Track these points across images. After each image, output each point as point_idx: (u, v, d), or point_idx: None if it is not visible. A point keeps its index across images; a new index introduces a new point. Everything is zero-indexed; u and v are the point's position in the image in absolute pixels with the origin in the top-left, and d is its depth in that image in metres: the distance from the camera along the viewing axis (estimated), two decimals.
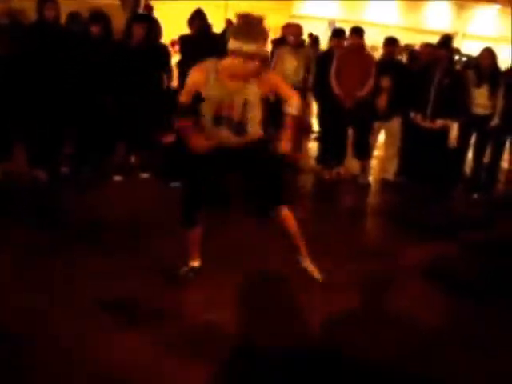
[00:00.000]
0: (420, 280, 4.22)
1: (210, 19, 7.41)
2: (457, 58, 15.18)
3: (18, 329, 3.07)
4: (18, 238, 4.28)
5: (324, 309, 3.59)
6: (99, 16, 5.76)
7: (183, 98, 3.48)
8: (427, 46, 7.14)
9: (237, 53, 3.23)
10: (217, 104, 3.38)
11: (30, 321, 3.16)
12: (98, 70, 5.63)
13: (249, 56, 3.23)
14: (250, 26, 3.25)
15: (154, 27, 6.25)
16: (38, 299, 3.38)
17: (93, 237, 4.42)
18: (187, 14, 6.45)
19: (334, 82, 6.44)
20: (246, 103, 3.38)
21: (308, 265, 3.89)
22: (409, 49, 9.37)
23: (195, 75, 3.41)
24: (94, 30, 5.64)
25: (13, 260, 3.93)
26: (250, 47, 3.20)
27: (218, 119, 3.42)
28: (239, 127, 3.43)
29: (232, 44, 3.23)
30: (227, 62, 3.32)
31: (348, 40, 6.80)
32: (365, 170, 6.79)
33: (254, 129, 3.52)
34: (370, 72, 6.36)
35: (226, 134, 3.45)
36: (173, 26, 7.35)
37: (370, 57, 6.63)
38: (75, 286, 3.61)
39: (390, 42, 6.67)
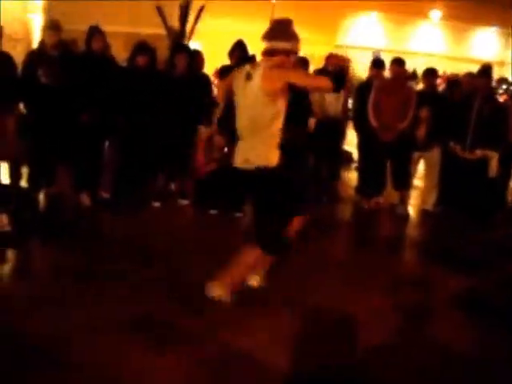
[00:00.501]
0: (457, 311, 4.19)
1: (256, 48, 7.57)
2: (504, 87, 15.01)
3: (54, 347, 3.18)
4: (60, 260, 4.43)
5: (362, 337, 3.62)
6: (145, 47, 5.94)
7: None
8: (467, 76, 7.11)
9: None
10: None
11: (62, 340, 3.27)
12: (144, 100, 5.81)
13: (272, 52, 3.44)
14: (275, 26, 3.54)
15: (196, 57, 6.39)
16: (71, 320, 3.49)
17: (127, 261, 4.52)
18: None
19: (371, 114, 6.48)
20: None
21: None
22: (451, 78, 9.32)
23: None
24: (141, 61, 5.79)
25: (50, 281, 4.08)
26: (272, 44, 3.43)
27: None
28: None
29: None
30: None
31: (389, 70, 6.82)
32: (404, 200, 6.75)
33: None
34: (410, 103, 6.35)
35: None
36: (216, 55, 7.52)
37: (409, 88, 6.65)
38: (107, 308, 3.70)
39: (429, 73, 6.67)
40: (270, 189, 3.51)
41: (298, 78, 3.48)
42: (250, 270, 3.76)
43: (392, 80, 6.58)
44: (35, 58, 5.57)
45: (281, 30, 3.50)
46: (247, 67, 3.54)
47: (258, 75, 3.40)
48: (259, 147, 3.47)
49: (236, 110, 3.58)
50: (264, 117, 3.42)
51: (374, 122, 6.46)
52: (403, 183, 6.71)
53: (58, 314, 3.54)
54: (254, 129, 3.47)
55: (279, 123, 3.48)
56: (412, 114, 6.36)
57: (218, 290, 3.64)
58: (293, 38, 3.51)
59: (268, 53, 3.48)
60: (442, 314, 4.12)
